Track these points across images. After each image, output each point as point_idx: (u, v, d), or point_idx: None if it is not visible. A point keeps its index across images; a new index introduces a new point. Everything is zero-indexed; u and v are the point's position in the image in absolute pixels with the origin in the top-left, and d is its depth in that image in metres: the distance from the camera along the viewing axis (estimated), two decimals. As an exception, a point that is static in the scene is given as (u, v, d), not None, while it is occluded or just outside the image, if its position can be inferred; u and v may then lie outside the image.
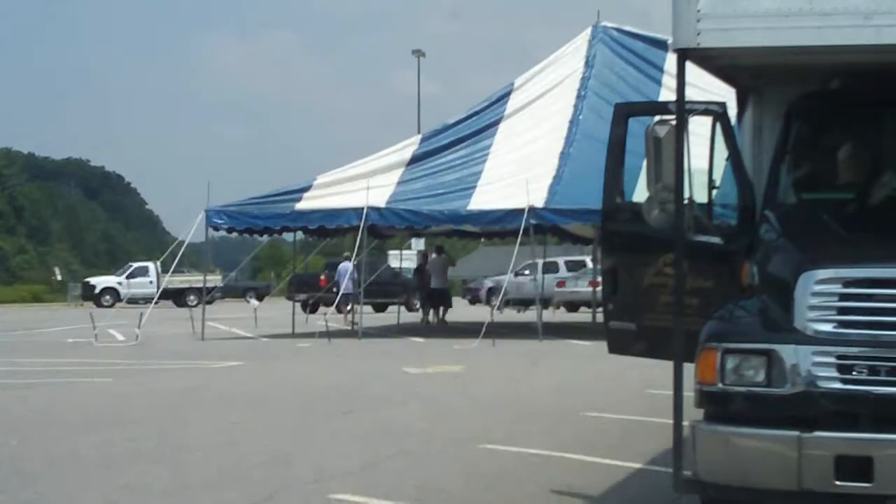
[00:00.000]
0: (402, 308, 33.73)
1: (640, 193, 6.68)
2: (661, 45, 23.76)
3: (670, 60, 22.87)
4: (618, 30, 26.46)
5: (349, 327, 26.64)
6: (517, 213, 22.17)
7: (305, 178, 25.63)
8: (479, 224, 24.47)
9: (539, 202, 22.17)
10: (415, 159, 25.45)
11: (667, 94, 21.98)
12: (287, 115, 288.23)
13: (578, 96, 24.97)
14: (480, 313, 31.44)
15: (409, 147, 26.29)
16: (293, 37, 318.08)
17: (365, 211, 22.98)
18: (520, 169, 22.95)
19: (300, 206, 24.37)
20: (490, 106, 26.42)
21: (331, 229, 25.81)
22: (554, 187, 22.71)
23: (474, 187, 23.65)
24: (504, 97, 26.47)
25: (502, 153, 24.57)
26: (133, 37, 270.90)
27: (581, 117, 24.21)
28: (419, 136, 27.58)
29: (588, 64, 25.71)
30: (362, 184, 23.54)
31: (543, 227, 24.04)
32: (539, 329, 23.36)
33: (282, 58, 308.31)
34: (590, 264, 38.13)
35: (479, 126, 25.82)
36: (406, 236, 36.00)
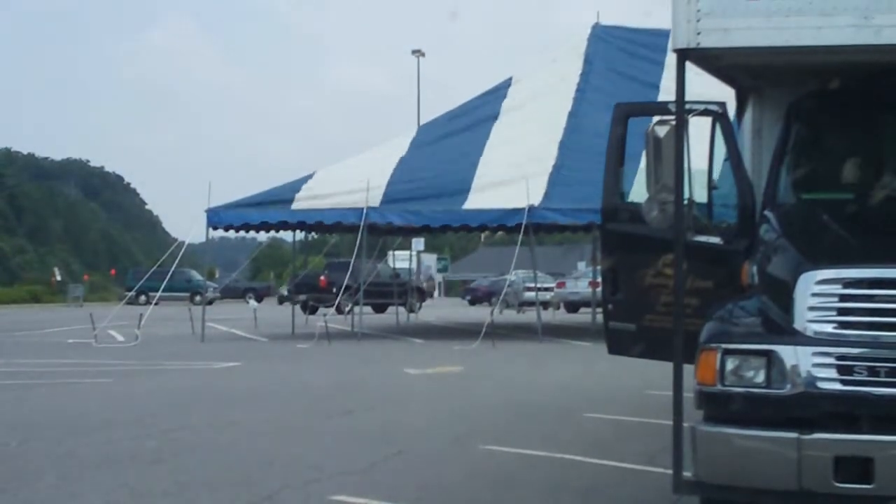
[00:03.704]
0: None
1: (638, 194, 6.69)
2: (663, 36, 23.71)
3: (670, 55, 23.03)
4: (617, 28, 26.53)
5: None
6: (516, 212, 22.17)
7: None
8: (478, 223, 24.45)
9: (537, 200, 22.16)
10: (412, 148, 25.51)
11: (666, 89, 21.96)
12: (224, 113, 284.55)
13: (577, 91, 25.01)
14: (480, 314, 31.45)
15: (406, 137, 26.39)
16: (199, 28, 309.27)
17: (364, 211, 22.98)
18: (517, 165, 22.95)
19: (298, 203, 24.42)
20: (488, 99, 26.47)
21: (329, 226, 25.92)
22: (552, 185, 22.70)
23: (471, 184, 23.63)
24: (502, 90, 26.52)
25: (499, 149, 24.56)
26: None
27: (579, 114, 24.22)
28: (417, 128, 27.76)
29: (587, 61, 25.75)
30: (360, 177, 23.52)
31: (542, 224, 24.05)
32: (539, 330, 23.37)
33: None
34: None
35: (476, 119, 25.87)
36: (408, 236, 36.03)
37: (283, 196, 24.81)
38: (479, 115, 25.93)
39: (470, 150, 24.52)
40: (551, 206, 22.30)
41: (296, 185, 24.91)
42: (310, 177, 25.32)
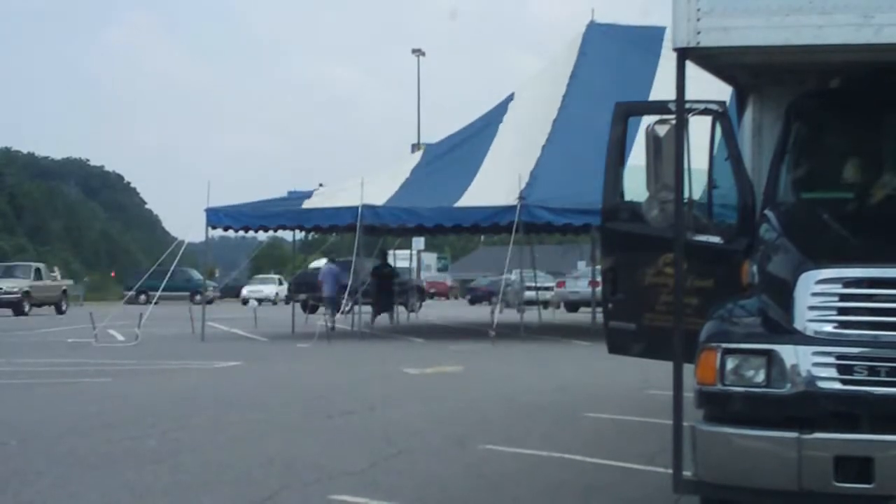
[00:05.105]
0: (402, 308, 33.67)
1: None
2: (657, 33, 23.70)
3: (665, 50, 23.10)
4: (612, 26, 26.61)
5: (331, 326, 25.10)
6: (508, 210, 22.15)
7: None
8: (470, 221, 24.44)
9: (530, 198, 22.15)
10: (417, 168, 25.76)
11: (659, 86, 21.93)
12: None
13: (570, 94, 25.04)
14: (480, 313, 31.46)
15: (413, 158, 26.66)
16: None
17: (360, 210, 22.99)
18: (512, 166, 22.99)
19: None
20: (491, 113, 26.65)
21: (327, 227, 25.97)
22: (544, 184, 22.69)
23: (468, 186, 23.72)
24: (504, 104, 26.69)
25: (498, 153, 24.68)
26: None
27: (574, 115, 24.23)
28: (422, 150, 28.14)
29: (581, 63, 25.80)
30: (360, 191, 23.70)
31: (536, 224, 24.04)
32: (539, 329, 23.36)
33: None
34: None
35: (478, 130, 26.04)
36: (406, 236, 36.04)
37: (283, 207, 25.11)
38: (482, 126, 26.15)
39: (469, 164, 24.71)
40: (543, 203, 22.29)
41: (297, 203, 25.10)
42: (307, 196, 25.43)
